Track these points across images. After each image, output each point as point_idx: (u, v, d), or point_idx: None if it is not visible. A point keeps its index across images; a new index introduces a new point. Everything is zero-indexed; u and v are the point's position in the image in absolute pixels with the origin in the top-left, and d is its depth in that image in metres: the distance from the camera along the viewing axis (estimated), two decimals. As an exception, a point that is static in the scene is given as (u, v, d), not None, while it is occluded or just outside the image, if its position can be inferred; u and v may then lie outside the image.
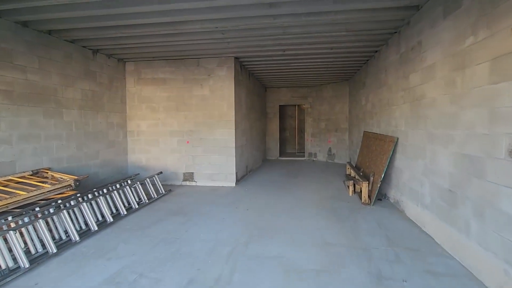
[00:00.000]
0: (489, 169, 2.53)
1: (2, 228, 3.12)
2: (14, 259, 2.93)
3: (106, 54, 6.33)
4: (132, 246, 3.49)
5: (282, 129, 13.43)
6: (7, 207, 3.50)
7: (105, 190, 4.60)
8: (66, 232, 3.65)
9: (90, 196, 4.27)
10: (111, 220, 4.25)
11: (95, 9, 3.90)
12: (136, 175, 6.09)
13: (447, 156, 3.26)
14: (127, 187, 4.94)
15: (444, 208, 3.31)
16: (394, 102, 5.13)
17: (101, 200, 4.24)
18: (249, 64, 7.54)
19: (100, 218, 4.26)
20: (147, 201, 5.27)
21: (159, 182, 5.97)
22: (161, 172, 6.28)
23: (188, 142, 6.92)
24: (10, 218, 3.23)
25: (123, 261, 3.11)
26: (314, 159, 11.38)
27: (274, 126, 11.94)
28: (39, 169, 4.68)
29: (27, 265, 2.90)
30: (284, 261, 3.07)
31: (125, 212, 4.58)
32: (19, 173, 4.38)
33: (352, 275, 2.76)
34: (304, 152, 12.07)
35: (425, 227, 3.83)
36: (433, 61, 3.60)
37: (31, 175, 4.48)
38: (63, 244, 3.50)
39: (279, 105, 11.94)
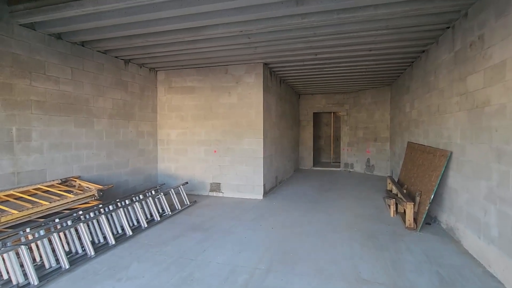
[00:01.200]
0: None
1: (20, 240, 3.10)
2: (25, 274, 2.86)
3: (138, 63, 6.43)
4: (144, 265, 3.27)
5: (316, 138, 12.78)
6: (29, 217, 3.51)
7: (127, 201, 4.52)
8: (82, 246, 3.57)
9: (111, 207, 4.20)
10: (131, 233, 4.12)
11: (119, 17, 3.86)
12: (162, 184, 6.00)
13: (523, 180, 2.53)
14: (150, 198, 4.82)
15: (520, 246, 2.56)
16: (446, 109, 4.36)
17: (121, 212, 4.14)
18: (280, 70, 7.17)
19: (120, 231, 4.15)
20: (170, 213, 5.11)
21: (184, 192, 5.81)
22: (186, 183, 6.13)
23: (215, 151, 6.72)
24: (28, 230, 3.21)
25: (131, 283, 2.89)
26: (351, 170, 10.53)
27: (307, 134, 11.35)
28: (69, 177, 4.77)
29: (36, 282, 2.81)
30: (307, 300, 2.59)
31: (146, 225, 4.44)
32: (49, 181, 4.48)
33: (392, 330, 2.19)
34: (340, 162, 11.27)
35: (490, 267, 3.05)
36: (502, 59, 2.89)
37: (59, 184, 4.56)
38: (78, 259, 3.40)
39: (313, 113, 11.34)
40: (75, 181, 4.75)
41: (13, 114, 4.04)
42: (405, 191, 5.48)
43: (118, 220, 4.20)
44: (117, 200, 4.46)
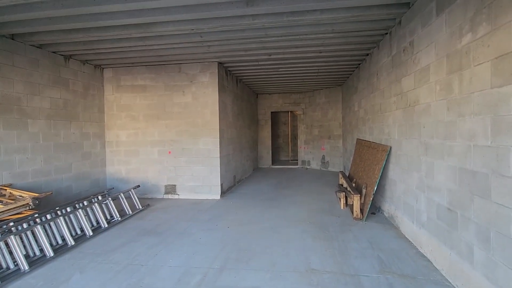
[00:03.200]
0: (495, 187, 2.14)
1: None
2: None
3: (81, 60, 5.94)
4: (88, 275, 3.04)
5: (275, 136, 13.07)
6: None
7: (68, 209, 4.16)
8: (14, 261, 3.19)
9: (48, 216, 3.82)
10: (73, 243, 3.79)
11: (52, 9, 3.53)
12: (111, 189, 5.65)
13: (445, 170, 2.87)
14: (96, 204, 4.49)
15: (443, 228, 2.91)
16: (386, 108, 4.77)
17: (61, 221, 3.79)
18: (236, 70, 7.19)
19: (60, 242, 3.80)
20: (119, 218, 4.82)
21: (135, 196, 5.52)
22: (138, 186, 5.84)
23: (170, 152, 6.50)
24: None
25: (72, 297, 2.67)
26: (308, 167, 10.98)
27: (265, 133, 11.55)
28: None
29: (-48, 306, 2.45)
30: (259, 295, 2.64)
31: (91, 233, 4.13)
32: (-28, 191, 3.93)
33: (336, 314, 2.34)
34: (297, 160, 11.67)
35: (422, 248, 3.41)
36: (426, 63, 3.24)
37: (-15, 193, 4.03)
38: (9, 275, 3.04)
39: (271, 112, 11.58)
40: (5, 189, 4.23)
41: None
42: (354, 184, 5.87)
43: (58, 230, 3.84)
44: (57, 208, 4.08)
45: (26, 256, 3.31)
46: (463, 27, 2.52)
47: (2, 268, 3.12)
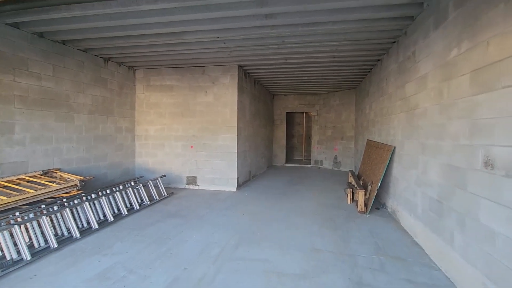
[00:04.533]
0: (469, 180, 2.54)
1: (10, 222, 3.38)
2: (18, 251, 3.17)
3: (117, 62, 6.69)
4: (127, 244, 3.67)
5: (290, 136, 13.49)
6: (16, 203, 3.77)
7: (108, 191, 4.84)
8: (68, 229, 3.88)
9: (93, 196, 4.52)
10: (112, 219, 4.47)
11: (104, 21, 4.19)
12: (140, 177, 6.33)
13: (436, 167, 3.26)
14: (130, 188, 5.16)
15: (433, 218, 3.29)
16: (392, 112, 5.13)
17: (104, 200, 4.47)
18: (254, 72, 7.72)
19: (102, 218, 4.48)
20: (148, 202, 5.48)
21: (162, 185, 6.18)
22: (164, 175, 6.50)
23: (192, 147, 7.13)
24: (17, 214, 3.49)
25: (116, 258, 3.29)
26: (320, 166, 11.34)
27: (280, 133, 12.02)
28: (50, 169, 4.99)
29: (28, 258, 3.13)
30: (268, 264, 3.15)
31: (126, 213, 4.80)
32: (31, 172, 4.69)
33: (331, 281, 2.81)
34: (310, 159, 12.06)
35: (416, 237, 3.80)
36: (425, 72, 3.63)
37: (41, 175, 4.78)
38: (64, 240, 3.72)
39: (286, 112, 12.03)
40: (56, 172, 4.98)
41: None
42: (361, 182, 6.24)
43: (100, 208, 4.52)
44: (98, 190, 4.77)
45: (76, 227, 3.98)
46: (452, 42, 2.91)
47: (58, 235, 3.81)
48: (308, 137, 13.17)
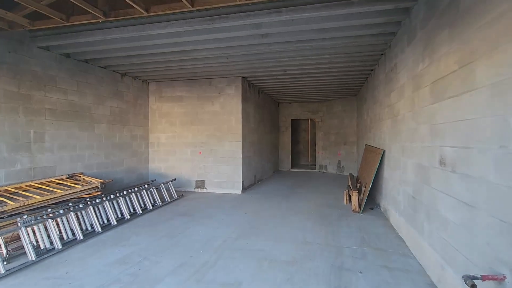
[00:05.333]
0: (432, 176, 2.94)
1: (43, 217, 3.98)
2: (51, 242, 3.75)
3: (132, 76, 7.38)
4: (142, 237, 4.21)
5: (295, 142, 13.91)
6: (47, 202, 4.38)
7: (125, 192, 5.42)
8: (91, 225, 4.46)
9: (112, 196, 5.10)
10: (128, 217, 5.03)
11: (121, 43, 4.84)
12: (153, 181, 6.92)
13: (411, 166, 3.66)
14: (144, 191, 5.74)
15: (410, 213, 3.68)
16: (382, 118, 5.54)
17: (121, 200, 5.05)
18: (257, 82, 8.26)
19: (119, 216, 5.06)
20: (160, 203, 6.03)
21: (172, 188, 6.74)
22: (174, 179, 7.07)
23: (200, 152, 7.70)
24: (49, 210, 4.09)
25: (133, 248, 3.82)
26: (324, 171, 11.69)
27: (286, 139, 12.48)
28: (74, 173, 5.63)
29: (60, 247, 3.71)
30: (262, 253, 3.60)
31: (141, 212, 5.36)
32: (58, 176, 5.34)
33: (316, 266, 3.23)
34: (315, 164, 12.42)
35: (400, 232, 4.17)
36: (403, 82, 4.06)
37: (67, 178, 5.42)
38: (88, 234, 4.30)
39: (292, 119, 12.50)
40: (80, 176, 5.62)
41: (31, 120, 4.92)
42: (358, 185, 6.61)
43: (118, 207, 5.10)
44: (116, 191, 5.36)
45: (98, 223, 4.56)
46: (419, 57, 3.35)
47: (83, 229, 4.39)
48: (314, 143, 13.55)
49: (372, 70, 6.74)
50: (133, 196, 5.39)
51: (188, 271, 3.16)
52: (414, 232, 3.52)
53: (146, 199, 5.73)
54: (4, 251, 3.39)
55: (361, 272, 3.08)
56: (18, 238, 3.67)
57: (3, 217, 3.71)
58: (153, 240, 4.09)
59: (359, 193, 5.57)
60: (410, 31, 3.73)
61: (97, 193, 5.24)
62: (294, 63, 6.10)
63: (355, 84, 8.46)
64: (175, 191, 7.08)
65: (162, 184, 6.47)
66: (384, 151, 5.25)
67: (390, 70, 4.81)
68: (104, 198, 4.94)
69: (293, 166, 12.78)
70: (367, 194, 5.31)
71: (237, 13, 3.93)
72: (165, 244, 3.95)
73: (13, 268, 3.21)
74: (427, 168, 3.07)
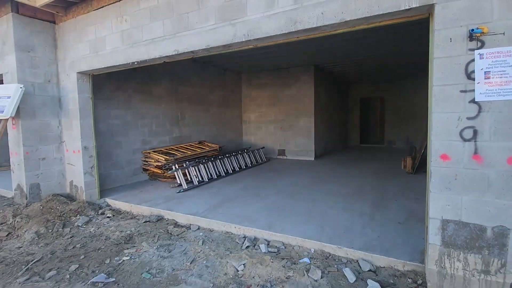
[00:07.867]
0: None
1: (183, 165, 6.67)
2: (191, 182, 6.41)
3: (231, 70, 9.82)
4: (249, 180, 6.58)
5: (364, 119, 14.77)
6: (188, 157, 7.13)
7: (234, 153, 7.94)
8: (218, 171, 7.06)
9: (227, 155, 7.66)
10: (238, 170, 7.53)
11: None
12: (249, 147, 9.38)
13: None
14: (245, 153, 8.19)
15: (443, 167, 4.98)
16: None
17: (231, 159, 7.56)
18: (328, 67, 9.74)
19: (230, 170, 7.60)
20: (255, 163, 8.42)
21: (262, 154, 9.08)
22: (263, 147, 9.39)
23: (281, 128, 9.79)
24: (187, 163, 6.79)
25: (245, 184, 6.20)
26: (393, 146, 12.49)
27: (355, 116, 13.56)
28: (201, 140, 8.42)
29: (207, 180, 6.34)
30: (330, 190, 5.50)
31: (244, 167, 7.82)
32: (192, 142, 8.17)
33: (366, 198, 4.96)
34: (384, 140, 13.24)
35: (438, 184, 5.45)
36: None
37: (198, 143, 8.23)
38: (212, 179, 6.89)
39: (361, 98, 13.44)
40: (204, 142, 8.38)
41: (179, 106, 7.73)
42: (413, 152, 7.70)
43: (230, 163, 7.64)
44: (226, 154, 7.92)
45: (223, 170, 7.13)
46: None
47: (209, 176, 7.01)
48: (382, 120, 14.21)
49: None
50: (239, 156, 7.87)
51: (283, 194, 5.32)
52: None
53: (247, 159, 8.17)
54: (183, 179, 6.15)
55: (396, 200, 4.70)
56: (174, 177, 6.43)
57: (175, 162, 6.52)
58: (256, 181, 6.41)
59: (413, 158, 6.81)
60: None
61: (217, 153, 7.88)
62: (358, 51, 7.44)
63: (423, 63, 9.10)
64: (264, 156, 9.41)
65: (255, 150, 8.85)
66: (435, 124, 6.33)
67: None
68: (221, 156, 7.52)
69: (363, 141, 13.86)
70: (419, 159, 6.54)
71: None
72: (265, 184, 6.22)
73: (189, 186, 5.91)
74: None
